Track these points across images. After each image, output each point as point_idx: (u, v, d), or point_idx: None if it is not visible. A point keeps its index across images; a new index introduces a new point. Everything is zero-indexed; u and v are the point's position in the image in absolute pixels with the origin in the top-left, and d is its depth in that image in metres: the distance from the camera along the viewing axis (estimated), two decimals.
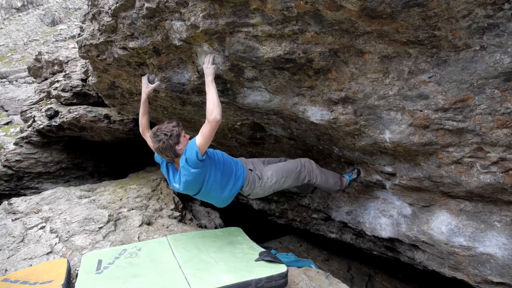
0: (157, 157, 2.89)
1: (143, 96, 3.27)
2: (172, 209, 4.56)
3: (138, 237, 3.57)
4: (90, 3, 3.31)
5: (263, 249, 3.01)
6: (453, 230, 3.04)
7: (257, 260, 2.80)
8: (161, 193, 5.02)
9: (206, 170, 2.65)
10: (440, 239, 3.16)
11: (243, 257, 2.87)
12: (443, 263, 3.36)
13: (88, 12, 3.48)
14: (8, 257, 3.24)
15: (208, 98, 2.62)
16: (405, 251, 3.87)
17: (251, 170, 3.00)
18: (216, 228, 4.95)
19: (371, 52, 2.31)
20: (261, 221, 6.03)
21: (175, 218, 4.35)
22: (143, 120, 3.21)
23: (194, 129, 4.21)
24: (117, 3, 2.88)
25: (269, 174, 3.03)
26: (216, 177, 2.72)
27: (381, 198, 3.72)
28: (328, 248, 5.72)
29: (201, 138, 2.55)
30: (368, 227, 3.89)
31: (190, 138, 2.72)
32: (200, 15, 2.50)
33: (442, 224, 3.12)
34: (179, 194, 5.04)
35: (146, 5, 2.70)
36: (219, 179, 2.75)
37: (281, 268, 2.65)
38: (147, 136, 3.01)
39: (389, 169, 3.16)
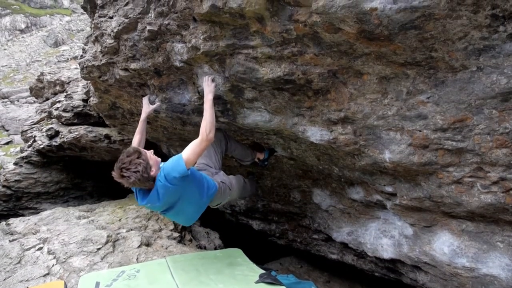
0: None
1: (143, 115, 3.28)
2: (171, 230, 4.53)
3: (137, 259, 3.53)
4: (93, 25, 3.38)
5: (263, 271, 2.97)
6: (455, 251, 3.01)
7: (257, 282, 2.76)
8: None
9: (185, 186, 2.55)
10: (443, 260, 3.11)
11: (243, 279, 2.83)
12: (446, 284, 3.31)
13: (91, 34, 3.55)
14: (5, 279, 3.19)
15: (207, 116, 2.61)
16: (407, 272, 3.81)
17: (223, 182, 2.98)
18: (215, 249, 4.89)
19: (370, 73, 2.34)
20: (261, 242, 5.96)
21: (174, 239, 4.32)
22: (136, 138, 3.12)
23: None
24: (119, 25, 2.94)
25: (234, 182, 3.12)
26: (193, 193, 2.64)
27: (382, 218, 3.70)
28: (329, 269, 5.64)
29: (191, 154, 2.49)
30: (370, 248, 3.84)
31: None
32: (201, 37, 2.54)
33: (444, 245, 3.09)
34: None
35: (148, 27, 2.75)
36: (197, 195, 2.67)
37: None
38: None
39: (389, 189, 3.15)
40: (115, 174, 2.41)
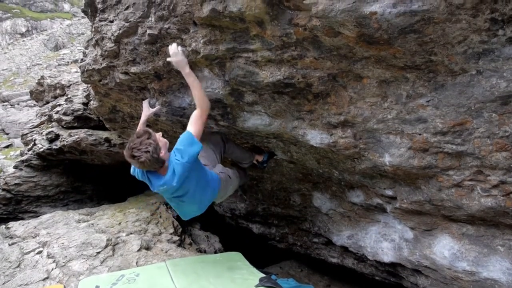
0: (133, 169, 2.75)
1: (143, 118, 3.28)
2: (171, 233, 4.52)
3: (137, 262, 3.52)
4: (93, 29, 3.39)
5: (263, 275, 2.96)
6: (455, 254, 3.00)
7: (257, 286, 2.76)
8: (160, 217, 4.98)
9: (198, 167, 2.56)
10: (443, 264, 3.11)
11: (243, 283, 2.83)
12: None
13: (92, 38, 3.56)
14: (4, 283, 3.18)
15: (196, 88, 2.60)
16: (407, 276, 3.80)
17: (222, 172, 3.00)
18: (215, 252, 4.88)
19: (369, 77, 2.34)
20: (261, 246, 5.95)
21: (174, 242, 4.31)
22: None
23: None
24: (120, 29, 2.95)
25: (231, 172, 3.13)
26: (204, 177, 2.67)
27: (382, 222, 3.69)
28: (330, 273, 5.62)
29: (197, 126, 2.53)
30: (370, 252, 3.83)
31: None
32: (201, 41, 2.55)
33: (445, 249, 3.08)
34: (178, 218, 5.00)
35: (149, 31, 2.76)
36: (206, 181, 2.69)
37: None
38: None
39: (389, 192, 3.15)
40: (126, 153, 2.41)
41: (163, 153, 2.45)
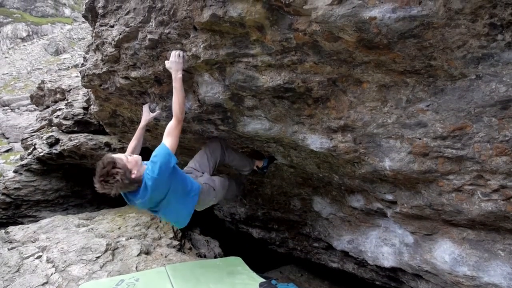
0: None
1: (142, 123, 3.27)
2: (171, 238, 4.51)
3: (136, 267, 3.51)
4: (94, 34, 3.40)
5: (263, 280, 2.95)
6: (456, 259, 2.99)
7: None
8: (160, 221, 4.98)
9: (171, 179, 2.52)
10: (444, 269, 3.10)
11: None
12: None
13: (92, 42, 3.57)
14: None
15: (178, 96, 2.59)
16: (408, 281, 3.79)
17: (206, 183, 2.95)
18: (215, 257, 4.87)
19: (369, 81, 2.35)
20: (261, 250, 5.93)
21: (174, 247, 4.29)
22: (131, 144, 3.10)
23: (192, 157, 4.21)
24: (120, 34, 2.96)
25: (217, 182, 3.07)
26: (178, 189, 2.61)
27: (382, 226, 3.68)
28: (330, 278, 5.61)
29: (173, 138, 2.53)
30: (370, 256, 3.82)
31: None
32: (201, 46, 2.56)
33: (445, 253, 3.07)
34: None
35: (149, 36, 2.77)
36: (182, 191, 2.64)
37: None
38: None
39: (389, 197, 3.14)
40: (97, 187, 2.35)
41: (135, 173, 2.41)
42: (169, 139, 2.53)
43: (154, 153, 2.51)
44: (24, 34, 39.87)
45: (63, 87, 7.56)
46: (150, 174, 2.42)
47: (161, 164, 2.42)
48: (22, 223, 6.36)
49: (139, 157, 2.56)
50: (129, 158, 2.47)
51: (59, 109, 6.78)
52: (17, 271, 3.46)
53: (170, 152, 2.47)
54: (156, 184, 2.44)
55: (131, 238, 4.22)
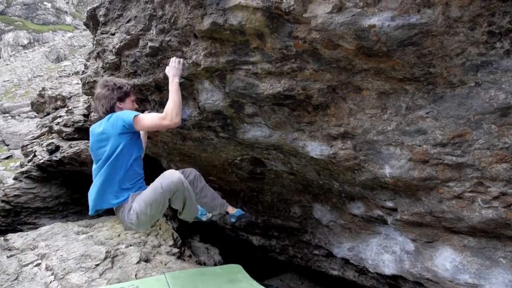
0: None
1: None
2: (170, 246, 4.48)
3: (136, 275, 3.49)
4: (95, 42, 3.42)
5: None
6: (457, 267, 2.97)
7: None
8: (159, 228, 4.95)
9: (123, 139, 2.46)
10: (445, 276, 3.08)
11: None
12: None
13: (93, 50, 3.59)
14: None
15: (174, 98, 2.54)
16: None
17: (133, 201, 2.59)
18: (215, 265, 4.84)
19: (369, 89, 2.35)
20: (261, 258, 5.90)
21: (173, 254, 4.27)
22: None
23: (193, 164, 4.21)
24: (121, 42, 2.98)
25: (138, 209, 2.54)
26: (122, 160, 2.50)
27: (383, 233, 3.67)
28: (331, 286, 5.56)
29: (147, 119, 2.49)
30: (371, 264, 3.80)
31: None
32: (202, 54, 2.57)
33: (446, 261, 3.05)
34: (178, 230, 4.97)
35: (150, 44, 2.79)
36: (123, 166, 2.51)
37: None
38: None
39: (390, 204, 3.13)
40: (101, 81, 2.68)
41: (121, 106, 2.61)
42: (145, 116, 2.55)
43: (122, 112, 2.56)
44: (26, 42, 40.10)
45: (63, 94, 7.58)
46: (110, 117, 2.52)
47: (117, 120, 2.46)
48: (21, 231, 6.32)
49: (135, 108, 2.71)
50: (135, 103, 2.74)
51: (60, 116, 6.79)
52: (16, 278, 3.44)
53: (132, 117, 2.44)
54: (112, 123, 2.47)
55: (130, 245, 4.20)
